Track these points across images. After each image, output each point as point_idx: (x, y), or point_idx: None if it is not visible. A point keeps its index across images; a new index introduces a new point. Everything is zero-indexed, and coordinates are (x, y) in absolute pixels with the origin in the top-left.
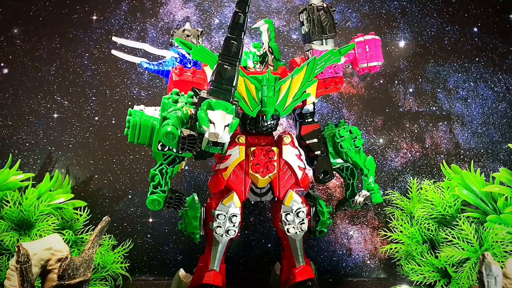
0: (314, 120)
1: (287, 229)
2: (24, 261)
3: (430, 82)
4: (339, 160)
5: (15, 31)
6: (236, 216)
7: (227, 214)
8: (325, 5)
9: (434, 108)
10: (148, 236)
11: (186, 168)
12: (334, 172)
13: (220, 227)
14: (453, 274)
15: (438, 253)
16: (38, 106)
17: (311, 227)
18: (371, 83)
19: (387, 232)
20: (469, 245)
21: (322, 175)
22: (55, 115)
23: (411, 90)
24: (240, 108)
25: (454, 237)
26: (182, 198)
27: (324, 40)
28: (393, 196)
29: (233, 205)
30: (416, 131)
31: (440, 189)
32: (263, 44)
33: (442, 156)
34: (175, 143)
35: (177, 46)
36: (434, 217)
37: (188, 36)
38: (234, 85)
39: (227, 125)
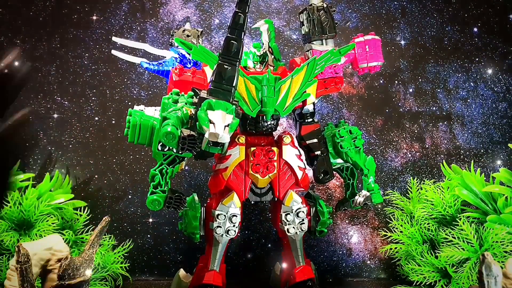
0: (314, 120)
1: (287, 229)
2: (24, 261)
3: (430, 82)
4: (339, 160)
5: (15, 31)
6: (236, 216)
7: (227, 214)
8: (325, 5)
9: (434, 108)
10: (148, 236)
11: (186, 168)
12: (334, 172)
13: (220, 227)
14: (453, 274)
15: (438, 253)
16: (38, 106)
17: (311, 227)
18: (371, 83)
19: (387, 232)
20: (469, 245)
21: (322, 175)
22: (55, 115)
23: (411, 90)
24: (240, 108)
25: (454, 237)
26: (182, 198)
27: (324, 40)
28: (393, 196)
29: (233, 205)
30: (416, 131)
31: (440, 189)
32: (263, 44)
33: (442, 156)
34: (175, 143)
35: (177, 46)
36: (434, 217)
37: (188, 36)
38: (234, 85)
39: (227, 125)
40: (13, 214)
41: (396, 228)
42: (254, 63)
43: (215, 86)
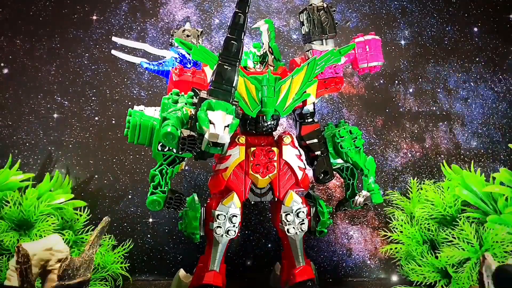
0: (314, 120)
1: (287, 229)
2: (24, 262)
3: (430, 82)
4: (339, 160)
5: (15, 31)
6: (236, 216)
7: (227, 214)
8: (325, 5)
9: (434, 108)
10: (148, 236)
11: (186, 168)
12: (334, 172)
13: (220, 227)
14: (453, 274)
15: (438, 253)
16: (38, 106)
17: (311, 227)
18: (371, 83)
19: (387, 232)
20: (469, 245)
21: (322, 175)
22: (55, 115)
23: (411, 90)
24: (240, 108)
25: (454, 237)
26: (182, 199)
27: (324, 40)
28: (393, 196)
29: (233, 206)
30: (416, 131)
31: (440, 189)
32: (263, 44)
33: (442, 156)
34: (175, 143)
35: (177, 46)
36: (434, 217)
37: (188, 36)
38: (234, 85)
39: (227, 126)
40: (13, 214)
41: (396, 228)
42: (254, 63)
43: (215, 86)
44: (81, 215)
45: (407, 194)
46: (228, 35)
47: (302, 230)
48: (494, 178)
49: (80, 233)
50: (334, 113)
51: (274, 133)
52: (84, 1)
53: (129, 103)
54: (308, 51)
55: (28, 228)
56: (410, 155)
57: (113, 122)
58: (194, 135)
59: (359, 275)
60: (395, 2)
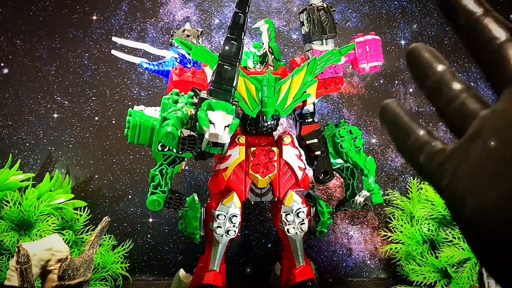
0: (314, 120)
1: (287, 229)
2: (24, 262)
3: None
4: (339, 160)
5: (15, 31)
6: (236, 216)
7: (227, 214)
8: (325, 5)
9: (434, 108)
10: (148, 236)
11: (186, 168)
12: (334, 172)
13: (220, 227)
14: (453, 274)
15: (438, 253)
16: (38, 106)
17: (311, 227)
18: (371, 83)
19: (387, 232)
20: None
21: (322, 175)
22: (55, 115)
23: (411, 90)
24: (240, 108)
25: (454, 237)
26: (182, 199)
27: (324, 40)
28: (393, 196)
29: (233, 206)
30: None
31: None
32: (263, 44)
33: None
34: (175, 143)
35: (177, 46)
36: (434, 217)
37: (188, 36)
38: (234, 85)
39: (227, 126)
40: (13, 214)
41: (396, 228)
42: (254, 63)
43: (215, 87)
44: (81, 215)
45: (407, 194)
46: (228, 35)
47: (302, 230)
48: None
49: (80, 233)
50: (334, 113)
51: (274, 133)
52: (84, 1)
53: (129, 103)
54: (308, 51)
55: (28, 228)
56: None
57: (113, 122)
58: (194, 135)
59: (359, 275)
60: (395, 2)
